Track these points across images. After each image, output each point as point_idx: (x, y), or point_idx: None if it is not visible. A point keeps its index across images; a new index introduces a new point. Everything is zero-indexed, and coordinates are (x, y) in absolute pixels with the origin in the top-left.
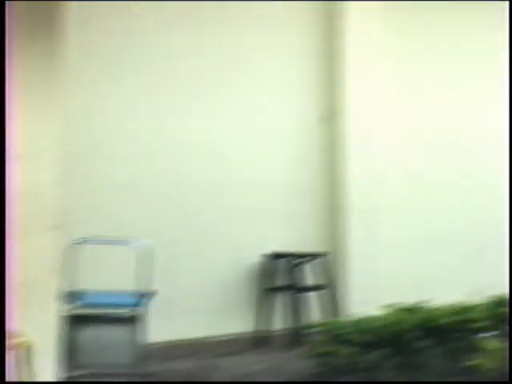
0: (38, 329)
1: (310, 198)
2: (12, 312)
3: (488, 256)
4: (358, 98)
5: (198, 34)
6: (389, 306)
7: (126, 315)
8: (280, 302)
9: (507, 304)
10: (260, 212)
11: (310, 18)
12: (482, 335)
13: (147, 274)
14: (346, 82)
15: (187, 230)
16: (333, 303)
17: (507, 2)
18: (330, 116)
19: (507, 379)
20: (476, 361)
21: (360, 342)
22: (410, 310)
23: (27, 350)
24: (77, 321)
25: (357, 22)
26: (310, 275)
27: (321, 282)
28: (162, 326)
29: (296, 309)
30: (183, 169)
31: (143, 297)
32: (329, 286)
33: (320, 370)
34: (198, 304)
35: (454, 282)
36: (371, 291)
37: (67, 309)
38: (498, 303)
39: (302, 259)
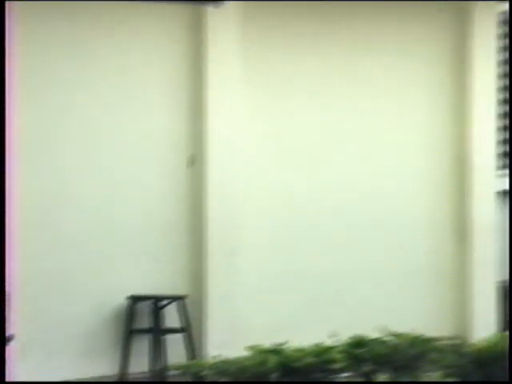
0: None
1: (174, 240)
2: None
3: (348, 297)
4: (219, 144)
5: None
6: (251, 347)
7: None
8: (143, 345)
9: (365, 345)
10: (122, 254)
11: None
12: (341, 375)
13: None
14: (207, 125)
15: (54, 266)
16: (191, 345)
17: None
18: (194, 159)
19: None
20: None
21: None
22: (272, 352)
23: None
24: None
25: (217, 67)
26: (170, 318)
27: (181, 324)
28: (23, 370)
29: (158, 351)
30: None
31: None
32: (187, 329)
33: None
34: (61, 346)
35: (314, 322)
36: (231, 333)
37: None
38: (356, 344)
39: (163, 301)
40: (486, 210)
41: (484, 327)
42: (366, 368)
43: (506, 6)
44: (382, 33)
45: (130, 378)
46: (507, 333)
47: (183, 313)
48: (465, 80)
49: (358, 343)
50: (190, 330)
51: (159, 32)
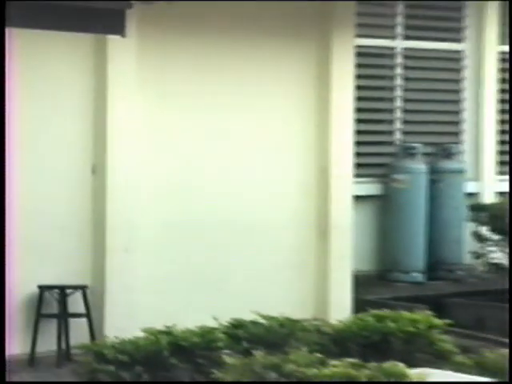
0: None
1: (79, 239)
2: None
3: (228, 288)
4: (119, 153)
5: None
6: (145, 329)
7: None
8: (51, 328)
9: (243, 327)
10: (36, 249)
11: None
12: (224, 352)
13: None
14: (107, 135)
15: None
16: (92, 329)
17: None
18: (95, 167)
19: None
20: (219, 374)
21: (119, 361)
22: (163, 333)
23: None
24: None
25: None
26: (75, 304)
27: (84, 310)
28: None
29: (64, 333)
30: None
31: None
32: (89, 314)
33: None
34: None
35: (199, 308)
36: (128, 318)
37: None
38: (235, 326)
39: (68, 290)
40: (343, 212)
41: (340, 311)
42: (244, 346)
43: (361, 41)
44: (262, 61)
45: (39, 357)
46: (360, 315)
47: (85, 300)
48: (327, 103)
49: (237, 325)
50: (91, 316)
51: (69, 56)
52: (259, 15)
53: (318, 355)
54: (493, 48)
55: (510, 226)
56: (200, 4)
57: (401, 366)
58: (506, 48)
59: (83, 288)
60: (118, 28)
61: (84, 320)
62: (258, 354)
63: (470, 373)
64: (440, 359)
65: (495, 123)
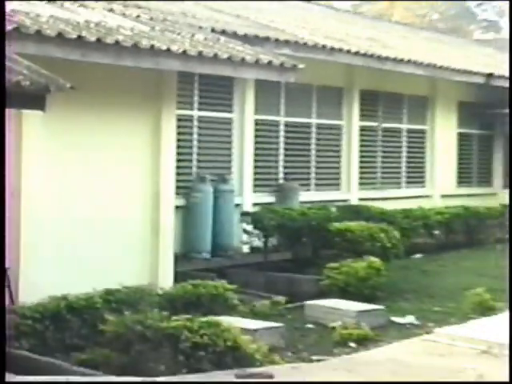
0: None
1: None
2: None
3: (100, 264)
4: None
5: None
6: (50, 296)
7: None
8: None
9: (112, 293)
10: None
11: None
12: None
13: None
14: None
15: None
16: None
17: None
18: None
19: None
20: (102, 326)
21: (33, 317)
22: (62, 298)
23: None
24: None
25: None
26: None
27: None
28: None
29: None
30: None
31: None
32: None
33: None
34: None
35: (82, 279)
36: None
37: None
38: (107, 293)
39: None
40: (167, 218)
41: (167, 279)
42: (113, 306)
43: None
44: (121, 125)
45: None
46: (182, 284)
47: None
48: (159, 151)
49: (108, 292)
50: (11, 288)
51: None
52: (114, 93)
53: (165, 313)
54: (251, 116)
55: (510, 227)
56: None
57: (216, 318)
58: (260, 117)
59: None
60: (40, 106)
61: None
62: (126, 313)
63: (247, 317)
64: (231, 310)
65: (252, 162)
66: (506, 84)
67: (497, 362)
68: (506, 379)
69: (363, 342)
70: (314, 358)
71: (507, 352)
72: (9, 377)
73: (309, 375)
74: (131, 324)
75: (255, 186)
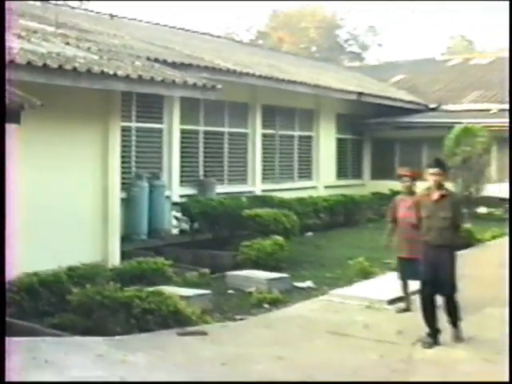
0: None
1: None
2: None
3: (60, 245)
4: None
5: None
6: (23, 273)
7: None
8: None
9: (74, 269)
10: None
11: None
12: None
13: None
14: None
15: None
16: None
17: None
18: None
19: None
20: (69, 297)
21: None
22: (33, 275)
23: None
24: None
25: None
26: None
27: None
28: None
29: None
30: None
31: None
32: None
33: None
34: None
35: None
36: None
37: None
38: (70, 269)
39: None
40: (115, 207)
41: (115, 257)
42: (75, 281)
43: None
44: (77, 133)
45: None
46: (130, 261)
47: None
48: (107, 155)
49: (70, 269)
50: None
51: None
52: (72, 110)
53: (118, 285)
54: (177, 126)
55: (510, 226)
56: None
57: (158, 288)
58: (185, 126)
59: None
60: (16, 120)
61: None
62: (87, 286)
63: (181, 287)
64: (168, 281)
65: (179, 163)
66: (373, 100)
67: (377, 315)
68: (389, 328)
69: (274, 303)
70: (238, 317)
71: (385, 306)
72: None
73: (235, 331)
74: (92, 294)
75: (181, 181)
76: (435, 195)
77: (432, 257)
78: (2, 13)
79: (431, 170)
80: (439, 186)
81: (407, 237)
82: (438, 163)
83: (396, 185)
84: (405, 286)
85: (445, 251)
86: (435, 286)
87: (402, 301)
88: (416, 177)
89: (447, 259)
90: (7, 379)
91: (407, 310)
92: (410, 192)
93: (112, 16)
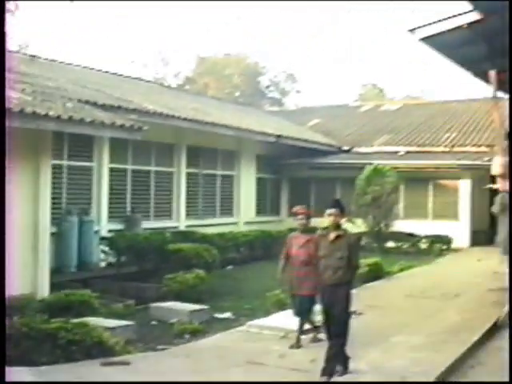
0: None
1: None
2: None
3: None
4: None
5: None
6: None
7: None
8: None
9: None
10: None
11: None
12: None
13: None
14: None
15: None
16: None
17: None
18: None
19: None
20: None
21: None
22: None
23: None
24: None
25: None
26: None
27: None
28: None
29: None
30: None
31: None
32: None
33: None
34: None
35: None
36: None
37: None
38: None
39: None
40: (44, 240)
41: (44, 290)
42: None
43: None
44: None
45: None
46: (59, 292)
47: None
48: (38, 192)
49: None
50: None
51: None
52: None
53: (45, 316)
54: (106, 165)
55: (510, 230)
56: None
57: (84, 319)
58: (114, 165)
59: None
60: None
61: None
62: (15, 317)
63: (107, 318)
64: (95, 312)
65: (107, 199)
66: (291, 142)
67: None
68: (303, 357)
69: (195, 334)
70: (160, 347)
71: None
72: None
73: (156, 361)
74: (18, 326)
75: (110, 216)
76: (332, 235)
77: (328, 296)
78: (2, 13)
79: (329, 211)
80: (336, 227)
81: (298, 274)
82: (336, 204)
83: (317, 221)
84: (300, 322)
85: (340, 290)
86: (329, 323)
87: (315, 331)
88: (311, 215)
89: (342, 298)
90: None
91: (299, 346)
92: (305, 229)
93: (39, 58)
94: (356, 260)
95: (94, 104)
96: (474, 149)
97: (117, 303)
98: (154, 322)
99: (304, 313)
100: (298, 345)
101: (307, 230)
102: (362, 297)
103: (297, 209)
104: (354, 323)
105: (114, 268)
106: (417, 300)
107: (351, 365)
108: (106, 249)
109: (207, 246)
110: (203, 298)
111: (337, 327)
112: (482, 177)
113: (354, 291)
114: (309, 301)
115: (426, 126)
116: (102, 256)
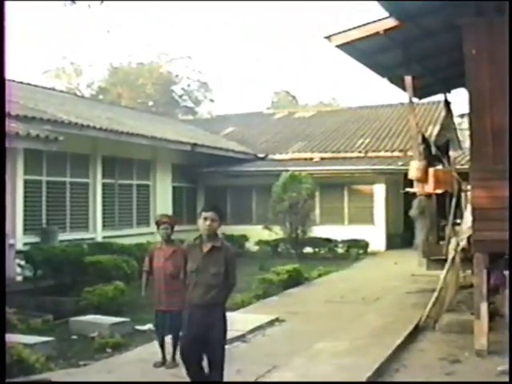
0: None
1: None
2: None
3: None
4: None
5: None
6: None
7: None
8: None
9: None
10: None
11: None
12: None
13: None
14: None
15: None
16: None
17: None
18: None
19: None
20: None
21: None
22: None
23: None
24: None
25: None
26: None
27: None
28: None
29: None
30: None
31: None
32: None
33: None
34: None
35: None
36: None
37: None
38: None
39: None
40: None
41: None
42: None
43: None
44: None
45: None
46: None
47: None
48: None
49: None
50: None
51: None
52: None
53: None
54: (21, 177)
55: (510, 229)
56: None
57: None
58: (28, 177)
59: None
60: None
61: None
62: None
63: (26, 334)
64: (13, 329)
65: (22, 212)
66: (206, 151)
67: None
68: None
69: (117, 347)
70: (81, 363)
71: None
72: None
73: (78, 378)
74: None
75: (25, 229)
76: (207, 246)
77: (199, 319)
78: (2, 14)
79: (205, 214)
80: (213, 235)
81: (166, 288)
82: (214, 207)
83: (233, 229)
84: (162, 341)
85: (215, 312)
86: (203, 350)
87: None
88: (175, 224)
89: (218, 322)
90: None
91: (163, 363)
92: (169, 240)
93: None
94: (233, 277)
95: (8, 115)
96: (388, 154)
97: (35, 318)
98: (74, 337)
99: (174, 329)
100: (165, 361)
101: (171, 240)
102: (282, 303)
103: (159, 218)
104: (277, 331)
105: (30, 282)
106: (338, 305)
107: (276, 374)
108: (22, 263)
109: (125, 258)
110: (124, 311)
111: (215, 357)
112: (396, 181)
113: (275, 298)
114: (178, 316)
115: (339, 133)
116: (19, 270)
